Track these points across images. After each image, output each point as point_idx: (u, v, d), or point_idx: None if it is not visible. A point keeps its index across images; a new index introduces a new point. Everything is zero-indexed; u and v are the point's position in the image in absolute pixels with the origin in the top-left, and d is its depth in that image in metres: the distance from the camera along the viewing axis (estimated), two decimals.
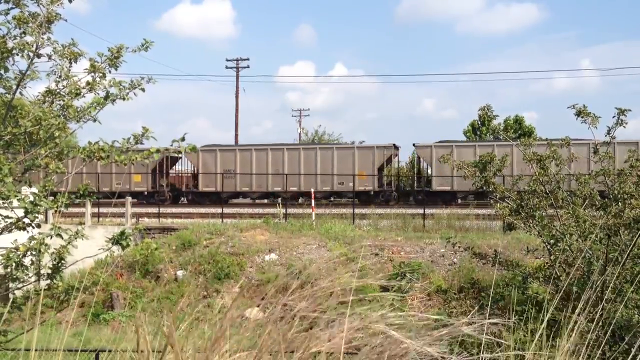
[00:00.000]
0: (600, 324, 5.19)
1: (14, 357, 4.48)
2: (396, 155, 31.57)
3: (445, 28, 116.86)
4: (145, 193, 30.38)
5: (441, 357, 1.64)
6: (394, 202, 28.66)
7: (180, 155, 25.58)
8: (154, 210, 24.23)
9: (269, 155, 29.73)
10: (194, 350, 1.77)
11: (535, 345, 2.31)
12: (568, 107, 7.56)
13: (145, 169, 28.70)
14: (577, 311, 2.34)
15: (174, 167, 33.56)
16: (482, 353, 2.03)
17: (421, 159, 30.73)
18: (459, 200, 28.33)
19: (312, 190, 24.01)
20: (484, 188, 8.18)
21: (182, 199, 32.21)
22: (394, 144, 30.45)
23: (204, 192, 30.23)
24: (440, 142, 29.26)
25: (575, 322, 2.28)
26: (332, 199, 30.65)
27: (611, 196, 7.20)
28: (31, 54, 4.73)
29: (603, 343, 6.11)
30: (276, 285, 1.82)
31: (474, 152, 27.19)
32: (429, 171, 30.07)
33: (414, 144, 31.55)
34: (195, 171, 31.51)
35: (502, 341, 2.18)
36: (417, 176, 31.26)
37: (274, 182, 29.49)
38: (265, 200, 31.59)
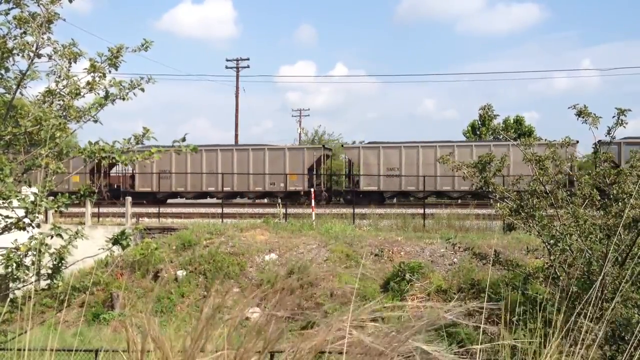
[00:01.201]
0: (604, 327, 5.19)
1: (13, 357, 4.48)
2: (328, 156, 32.39)
3: (446, 28, 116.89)
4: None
5: (435, 351, 1.64)
6: (324, 202, 29.14)
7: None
8: (154, 210, 24.24)
9: (204, 156, 30.16)
10: (182, 348, 1.76)
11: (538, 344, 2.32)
12: (569, 108, 7.58)
13: (84, 170, 28.95)
14: (577, 311, 2.34)
15: (114, 168, 33.70)
16: (481, 350, 2.03)
17: (351, 160, 31.43)
18: (386, 200, 29.21)
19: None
20: (484, 188, 8.18)
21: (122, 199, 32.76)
22: (324, 145, 31.37)
23: (140, 192, 30.52)
24: (368, 143, 30.18)
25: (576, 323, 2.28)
26: (266, 199, 31.54)
27: (611, 196, 7.21)
28: (31, 54, 4.73)
29: (604, 343, 6.12)
30: (278, 285, 1.82)
31: (399, 152, 28.56)
32: (373, 170, 30.46)
33: (342, 145, 32.12)
34: (133, 171, 31.88)
35: (484, 326, 2.18)
36: (348, 177, 32.11)
37: (208, 182, 29.82)
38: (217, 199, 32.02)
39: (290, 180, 29.54)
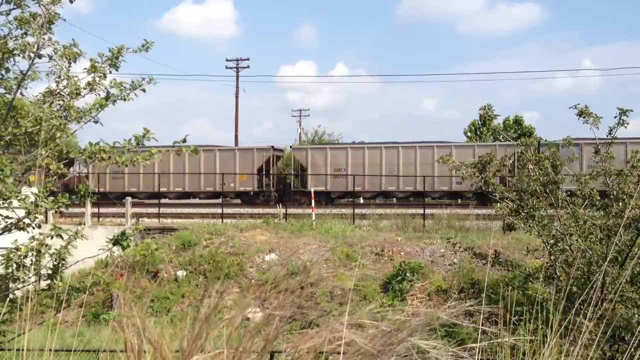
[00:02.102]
0: (602, 326, 5.19)
1: (13, 357, 4.48)
2: (279, 157, 32.88)
3: (446, 28, 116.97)
4: None
5: (433, 348, 1.65)
6: (273, 202, 29.46)
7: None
8: (154, 210, 24.24)
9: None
10: (180, 348, 1.77)
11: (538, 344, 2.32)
12: (570, 108, 7.59)
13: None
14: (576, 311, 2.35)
15: (71, 169, 33.85)
16: (479, 350, 2.03)
17: (299, 161, 31.88)
18: (335, 201, 29.89)
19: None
20: (484, 188, 8.18)
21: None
22: (273, 146, 31.56)
23: (93, 192, 30.88)
24: (316, 144, 31.29)
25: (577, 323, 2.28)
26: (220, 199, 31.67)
27: (612, 196, 7.21)
28: (32, 55, 4.73)
29: (604, 343, 6.12)
30: (278, 286, 1.82)
31: (345, 154, 29.36)
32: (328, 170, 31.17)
33: (290, 146, 32.52)
34: (87, 172, 32.18)
35: (484, 327, 2.19)
36: (296, 177, 32.71)
37: (160, 183, 29.94)
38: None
39: (240, 180, 30.07)
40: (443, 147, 28.83)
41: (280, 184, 32.57)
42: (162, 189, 30.28)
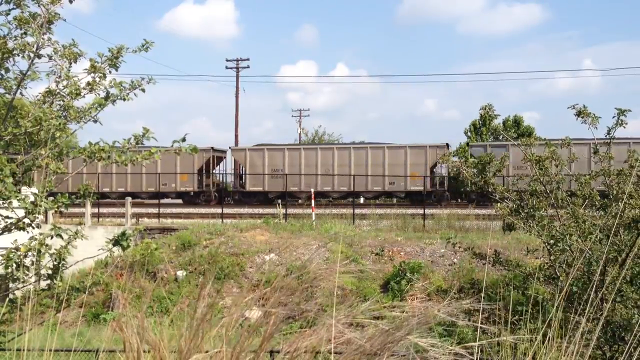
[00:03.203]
0: (601, 324, 5.19)
1: (13, 357, 4.48)
2: (220, 158, 33.26)
3: (447, 28, 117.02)
4: None
5: (430, 346, 1.65)
6: (214, 202, 30.14)
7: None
8: (154, 210, 24.25)
9: None
10: (178, 348, 1.77)
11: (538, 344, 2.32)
12: (568, 108, 7.57)
13: None
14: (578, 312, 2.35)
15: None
16: (478, 350, 2.03)
17: (238, 162, 32.47)
18: (274, 201, 30.32)
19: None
20: (484, 188, 8.17)
21: None
22: (212, 147, 31.90)
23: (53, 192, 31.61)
24: (254, 145, 31.33)
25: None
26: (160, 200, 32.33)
27: (611, 196, 7.21)
28: (32, 55, 4.73)
29: (603, 343, 6.12)
30: (276, 285, 1.82)
31: (282, 154, 30.13)
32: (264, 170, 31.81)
33: (230, 147, 33.25)
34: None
35: (483, 326, 2.19)
36: (237, 177, 33.23)
37: (103, 183, 30.15)
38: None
39: (181, 180, 30.50)
40: (376, 148, 29.74)
41: (220, 184, 33.30)
42: (104, 189, 30.50)
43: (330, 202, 28.94)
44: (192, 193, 30.68)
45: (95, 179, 29.87)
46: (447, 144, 30.68)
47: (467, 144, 28.84)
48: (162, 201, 27.63)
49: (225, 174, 33.68)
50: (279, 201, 26.65)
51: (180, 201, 31.12)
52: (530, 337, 2.48)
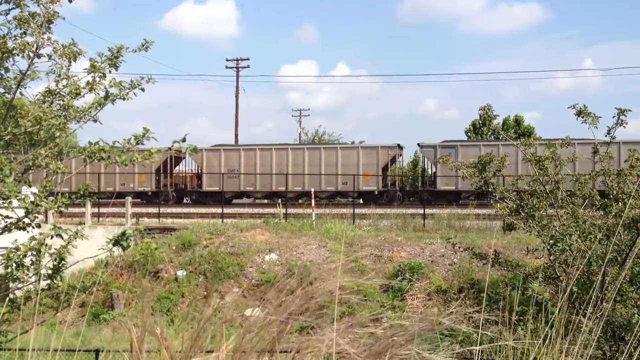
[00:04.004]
0: (601, 324, 5.19)
1: (13, 357, 4.48)
2: (180, 158, 33.74)
3: (448, 28, 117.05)
4: None
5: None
6: (172, 201, 30.75)
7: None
8: (154, 210, 24.25)
9: None
10: (182, 348, 1.76)
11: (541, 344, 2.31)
12: (568, 107, 7.57)
13: None
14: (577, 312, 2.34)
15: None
16: (480, 351, 2.03)
17: (196, 163, 33.03)
18: (233, 201, 31.25)
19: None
20: (483, 188, 8.17)
21: None
22: (170, 147, 32.27)
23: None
24: (211, 146, 31.84)
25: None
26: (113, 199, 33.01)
27: (611, 196, 7.20)
28: (31, 54, 4.73)
29: (603, 343, 6.12)
30: (277, 286, 1.82)
31: (238, 155, 30.63)
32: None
33: (187, 149, 33.61)
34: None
35: (487, 333, 2.19)
36: (197, 177, 33.86)
37: (64, 183, 30.79)
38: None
39: (139, 180, 30.82)
40: (329, 148, 30.48)
41: (178, 184, 33.64)
42: (64, 189, 30.58)
43: (296, 203, 29.62)
44: (150, 193, 30.97)
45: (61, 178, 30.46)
46: (399, 145, 31.32)
47: (418, 144, 29.49)
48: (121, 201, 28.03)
49: (185, 174, 34.16)
50: (279, 201, 26.75)
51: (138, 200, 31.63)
52: (530, 341, 2.48)
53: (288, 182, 29.53)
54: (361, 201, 29.46)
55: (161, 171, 31.76)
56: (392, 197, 28.88)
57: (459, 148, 27.81)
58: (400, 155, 32.66)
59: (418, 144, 30.32)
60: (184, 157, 33.74)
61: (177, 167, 34.21)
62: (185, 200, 31.89)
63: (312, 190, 24.51)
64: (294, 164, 30.00)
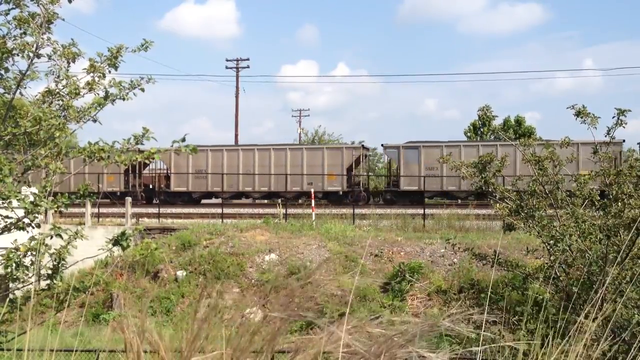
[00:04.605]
0: (600, 324, 5.18)
1: (13, 357, 4.47)
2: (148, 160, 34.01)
3: (448, 28, 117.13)
4: None
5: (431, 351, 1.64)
6: (141, 202, 31.01)
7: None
8: (154, 210, 24.25)
9: None
10: (179, 349, 1.76)
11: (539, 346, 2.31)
12: (567, 108, 7.56)
13: None
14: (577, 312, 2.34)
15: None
16: (480, 351, 2.03)
17: (164, 163, 33.20)
18: (202, 201, 31.63)
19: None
20: (484, 188, 8.16)
21: None
22: (139, 149, 33.15)
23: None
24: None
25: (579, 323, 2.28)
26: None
27: (611, 196, 7.20)
28: (31, 54, 4.73)
29: (603, 343, 6.11)
30: (277, 287, 1.81)
31: (206, 156, 30.67)
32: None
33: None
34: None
35: (487, 334, 2.18)
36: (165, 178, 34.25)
37: (34, 183, 31.25)
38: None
39: (107, 181, 31.18)
40: (295, 149, 30.82)
41: (147, 184, 33.89)
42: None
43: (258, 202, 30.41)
44: (118, 193, 30.94)
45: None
46: (363, 145, 31.84)
47: (382, 145, 30.12)
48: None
49: (154, 175, 34.28)
50: (279, 201, 26.81)
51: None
52: (531, 339, 2.48)
53: (255, 182, 30.04)
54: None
55: (130, 172, 31.96)
56: (357, 197, 29.22)
57: (422, 148, 28.55)
58: (366, 156, 33.18)
59: (382, 145, 31.04)
60: (153, 158, 33.95)
61: (148, 168, 34.38)
62: (154, 201, 32.16)
63: (312, 190, 24.55)
64: (260, 164, 30.39)
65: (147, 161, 5.09)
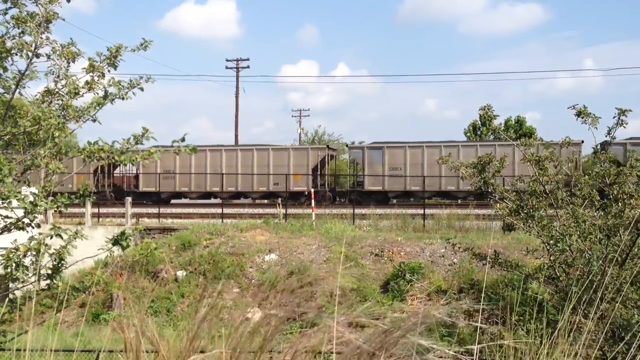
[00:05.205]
0: (600, 324, 5.18)
1: (13, 357, 4.47)
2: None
3: (448, 28, 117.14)
4: None
5: (432, 345, 1.64)
6: (110, 202, 31.27)
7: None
8: (154, 210, 24.24)
9: None
10: (179, 348, 1.76)
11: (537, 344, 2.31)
12: (568, 108, 7.56)
13: None
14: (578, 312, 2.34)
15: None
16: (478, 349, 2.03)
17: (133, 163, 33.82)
18: (171, 201, 32.24)
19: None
20: (483, 188, 8.16)
21: None
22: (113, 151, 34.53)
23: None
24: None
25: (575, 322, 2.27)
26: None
27: (611, 196, 7.20)
28: (30, 54, 4.72)
29: (603, 343, 6.11)
30: (278, 286, 1.81)
31: (173, 156, 30.21)
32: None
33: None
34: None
35: (482, 326, 2.18)
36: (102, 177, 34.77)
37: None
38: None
39: (78, 180, 31.11)
40: (261, 149, 31.16)
41: (117, 184, 34.37)
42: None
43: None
44: (95, 192, 31.39)
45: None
46: (328, 146, 32.44)
47: (347, 145, 30.51)
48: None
49: (124, 175, 34.67)
50: (279, 200, 26.86)
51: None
52: (528, 340, 2.48)
53: (222, 183, 30.42)
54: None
55: (99, 172, 32.23)
56: (322, 198, 29.49)
57: (385, 149, 29.10)
58: (332, 157, 33.60)
59: (347, 146, 31.32)
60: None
61: (118, 168, 34.68)
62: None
63: (313, 190, 24.58)
64: (227, 164, 30.77)
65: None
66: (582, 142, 25.79)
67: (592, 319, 2.44)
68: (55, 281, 4.74)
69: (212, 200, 31.72)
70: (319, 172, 31.26)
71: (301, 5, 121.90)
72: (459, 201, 27.87)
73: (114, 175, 34.31)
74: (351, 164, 33.48)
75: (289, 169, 30.11)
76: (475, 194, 27.50)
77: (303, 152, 30.80)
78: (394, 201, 29.58)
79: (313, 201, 22.44)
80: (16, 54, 4.74)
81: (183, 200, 32.13)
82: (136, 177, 32.87)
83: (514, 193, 8.01)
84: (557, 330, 2.45)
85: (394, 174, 28.45)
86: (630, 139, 24.98)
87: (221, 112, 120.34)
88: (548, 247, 7.31)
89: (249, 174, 30.22)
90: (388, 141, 30.20)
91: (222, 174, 30.34)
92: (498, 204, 7.87)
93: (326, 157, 31.33)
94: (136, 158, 5.03)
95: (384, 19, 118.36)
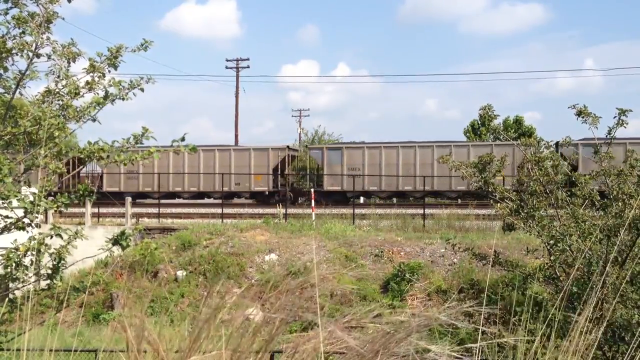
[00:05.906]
0: (599, 324, 5.18)
1: (13, 357, 4.47)
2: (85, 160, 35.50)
3: (449, 28, 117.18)
4: None
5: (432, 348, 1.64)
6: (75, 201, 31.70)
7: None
8: (154, 210, 24.24)
9: None
10: (180, 348, 1.76)
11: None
12: (569, 107, 7.55)
13: None
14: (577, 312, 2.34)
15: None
16: (479, 350, 2.03)
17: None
18: (135, 201, 32.12)
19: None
20: (483, 188, 8.16)
21: None
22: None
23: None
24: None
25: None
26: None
27: (611, 196, 7.20)
28: (30, 54, 4.72)
29: (603, 343, 6.12)
30: (278, 287, 1.81)
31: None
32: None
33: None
34: None
35: (483, 328, 2.18)
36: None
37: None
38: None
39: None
40: (223, 150, 31.52)
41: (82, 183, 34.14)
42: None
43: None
44: (52, 193, 31.51)
45: None
46: (288, 147, 32.61)
47: (306, 145, 30.89)
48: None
49: (89, 175, 34.75)
50: (276, 203, 26.91)
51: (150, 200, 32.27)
52: (529, 338, 2.48)
53: (185, 183, 30.77)
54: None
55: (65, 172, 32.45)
56: (283, 197, 29.65)
57: (344, 150, 29.73)
58: (293, 157, 33.81)
59: (306, 146, 31.59)
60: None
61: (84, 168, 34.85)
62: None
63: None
64: (190, 165, 30.98)
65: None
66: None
67: (592, 319, 2.45)
68: (55, 281, 4.74)
69: (176, 200, 31.87)
70: (279, 172, 31.49)
71: (302, 5, 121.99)
72: (412, 200, 29.05)
73: (82, 175, 34.36)
74: (311, 164, 33.99)
75: (250, 169, 30.46)
76: (430, 193, 28.42)
77: (264, 153, 31.04)
78: (361, 200, 30.08)
79: (313, 201, 22.44)
80: (17, 54, 4.75)
81: (149, 201, 32.03)
82: (100, 177, 32.92)
83: (515, 193, 8.01)
84: (555, 331, 2.45)
85: (353, 174, 28.70)
86: (583, 139, 24.06)
87: (221, 112, 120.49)
88: (548, 247, 7.31)
89: (211, 173, 30.54)
90: (347, 142, 31.02)
91: (184, 173, 30.71)
92: (499, 204, 7.87)
93: (286, 157, 31.61)
94: (135, 158, 5.03)
95: (384, 19, 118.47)
